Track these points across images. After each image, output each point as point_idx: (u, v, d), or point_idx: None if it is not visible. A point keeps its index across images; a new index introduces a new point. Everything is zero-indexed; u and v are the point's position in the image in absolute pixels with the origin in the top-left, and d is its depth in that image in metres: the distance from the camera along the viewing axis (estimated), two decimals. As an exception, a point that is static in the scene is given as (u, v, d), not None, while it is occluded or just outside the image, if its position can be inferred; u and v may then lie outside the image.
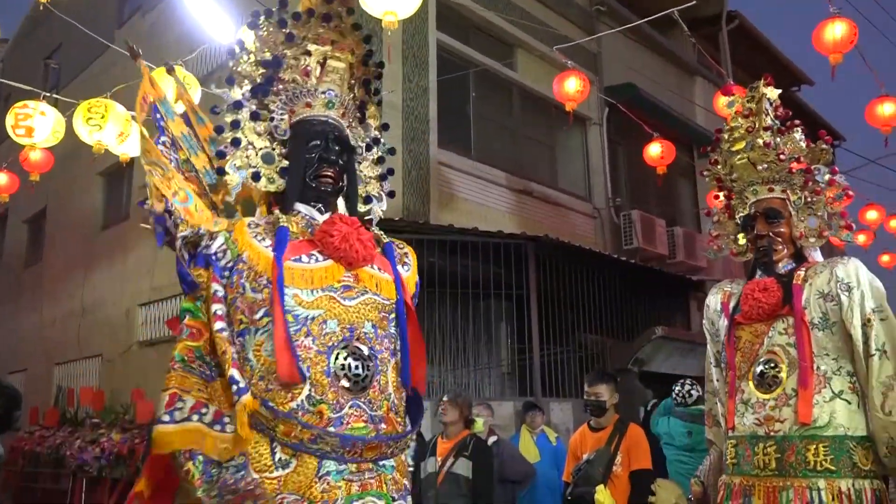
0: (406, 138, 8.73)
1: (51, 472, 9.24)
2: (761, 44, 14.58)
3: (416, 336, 2.03)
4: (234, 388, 1.74)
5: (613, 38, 10.82)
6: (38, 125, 5.20)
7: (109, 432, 8.29)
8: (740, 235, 2.82)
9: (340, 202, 2.16)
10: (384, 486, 1.82)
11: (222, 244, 1.91)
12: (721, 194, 2.92)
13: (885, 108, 6.53)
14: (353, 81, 2.17)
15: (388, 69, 9.13)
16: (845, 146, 17.04)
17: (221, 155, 2.05)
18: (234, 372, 1.75)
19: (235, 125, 2.06)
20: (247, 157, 2.05)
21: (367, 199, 2.24)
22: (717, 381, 2.80)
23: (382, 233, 2.14)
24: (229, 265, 1.89)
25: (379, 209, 2.27)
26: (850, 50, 5.40)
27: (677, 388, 5.70)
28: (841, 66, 5.44)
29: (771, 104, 2.76)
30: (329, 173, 2.03)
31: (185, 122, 2.30)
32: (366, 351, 1.86)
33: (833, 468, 2.35)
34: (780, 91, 2.82)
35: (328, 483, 1.73)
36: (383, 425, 1.85)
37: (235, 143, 2.04)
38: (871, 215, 10.47)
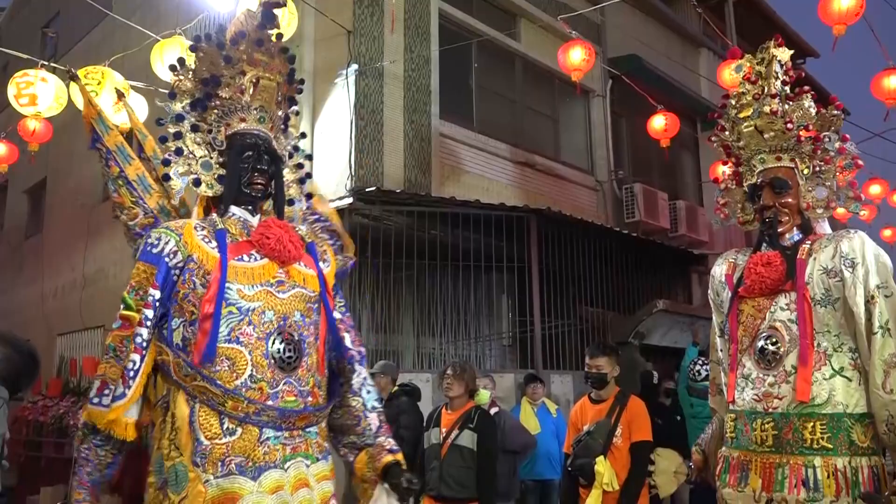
0: (408, 109, 8.67)
1: (54, 441, 9.34)
2: (767, 15, 14.42)
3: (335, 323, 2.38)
4: (118, 393, 2.07)
5: (617, 9, 10.68)
6: (40, 93, 5.16)
7: (112, 402, 8.33)
8: (748, 204, 2.75)
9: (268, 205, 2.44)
10: (310, 448, 2.19)
11: (174, 246, 2.18)
12: (730, 162, 2.84)
13: (892, 81, 6.46)
14: (279, 98, 2.46)
15: (390, 39, 9.08)
16: (850, 120, 16.91)
17: (166, 163, 2.33)
18: (119, 382, 2.08)
19: (178, 136, 2.33)
20: (188, 164, 2.34)
21: (290, 202, 2.51)
22: (721, 351, 2.78)
23: (306, 233, 2.44)
24: (180, 265, 2.17)
25: (300, 209, 2.55)
26: (857, 22, 5.32)
27: (689, 366, 6.20)
28: (846, 39, 5.37)
29: (782, 66, 2.68)
30: (260, 180, 2.32)
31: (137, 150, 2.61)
32: (296, 336, 2.19)
33: (830, 446, 2.34)
34: (791, 52, 2.73)
35: (268, 447, 2.08)
36: (310, 398, 2.20)
37: (178, 152, 2.33)
38: (875, 189, 10.43)
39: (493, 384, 6.17)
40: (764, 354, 2.49)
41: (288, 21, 4.83)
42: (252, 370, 2.09)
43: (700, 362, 6.40)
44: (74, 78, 3.02)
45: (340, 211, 7.67)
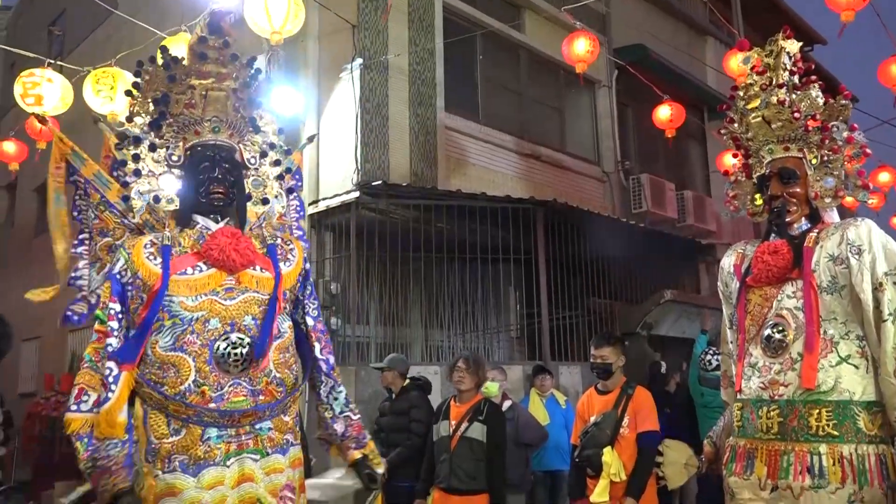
0: (413, 102, 8.68)
1: (67, 436, 9.38)
2: (773, 2, 14.32)
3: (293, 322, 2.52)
4: (88, 400, 2.23)
5: (623, -2, 10.64)
6: (46, 93, 5.19)
7: (124, 397, 8.39)
8: (757, 195, 2.74)
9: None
10: (260, 443, 2.30)
11: (123, 265, 2.35)
12: (740, 153, 2.84)
13: (899, 68, 6.41)
14: (237, 104, 2.50)
15: (395, 32, 9.08)
16: (858, 107, 16.80)
17: (125, 185, 2.46)
18: (101, 388, 2.22)
19: (136, 158, 2.45)
20: (148, 183, 2.45)
21: (265, 201, 2.58)
22: (732, 342, 2.79)
23: (269, 235, 2.54)
24: (129, 281, 2.33)
25: (278, 206, 2.63)
26: (864, 8, 5.28)
27: (700, 355, 6.18)
28: (853, 26, 5.33)
29: (790, 58, 2.67)
30: (219, 190, 2.40)
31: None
32: (246, 339, 2.29)
33: (836, 433, 2.33)
34: (801, 44, 2.72)
35: (209, 445, 2.23)
36: (262, 396, 2.31)
37: (136, 173, 2.44)
38: (884, 177, 10.34)
39: (503, 376, 6.18)
40: (770, 342, 2.49)
41: (295, 15, 4.84)
42: (195, 375, 2.23)
43: (711, 352, 6.39)
44: (44, 122, 3.20)
45: (347, 205, 7.70)
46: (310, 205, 7.90)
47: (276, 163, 2.62)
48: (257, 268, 2.40)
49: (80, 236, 2.92)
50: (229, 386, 2.26)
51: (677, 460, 3.82)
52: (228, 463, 2.24)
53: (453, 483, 4.26)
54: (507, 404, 5.57)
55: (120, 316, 2.31)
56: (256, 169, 2.59)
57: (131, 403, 2.25)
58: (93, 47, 11.64)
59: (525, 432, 5.56)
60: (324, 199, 7.93)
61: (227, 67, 2.47)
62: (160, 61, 2.47)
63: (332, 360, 2.62)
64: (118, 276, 2.33)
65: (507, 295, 9.50)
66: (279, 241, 2.54)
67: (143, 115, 2.50)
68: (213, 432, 2.23)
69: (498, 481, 4.31)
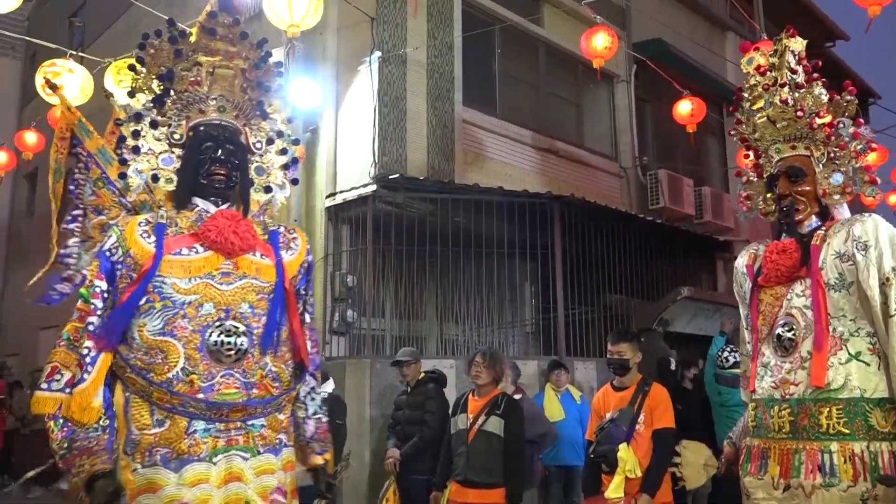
0: (431, 96, 8.67)
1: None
2: (796, -3, 14.16)
3: (294, 314, 2.33)
4: (60, 379, 2.10)
5: (643, -8, 10.56)
6: (67, 82, 5.24)
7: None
8: (769, 195, 2.75)
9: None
10: (251, 441, 2.16)
11: (115, 242, 2.22)
12: (750, 154, 2.85)
13: (924, 64, 6.33)
14: (245, 85, 2.41)
15: (413, 25, 9.07)
16: (881, 104, 16.58)
17: (123, 161, 2.32)
18: (70, 370, 2.10)
19: (136, 134, 2.33)
20: (147, 161, 2.33)
21: (268, 189, 2.48)
22: (748, 343, 2.78)
23: (270, 221, 2.44)
24: (119, 259, 2.20)
25: (282, 196, 2.51)
26: (891, 3, 5.21)
27: (718, 353, 6.15)
28: (878, 21, 5.26)
29: (795, 56, 2.67)
30: (221, 171, 2.30)
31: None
32: (241, 328, 2.16)
33: (846, 431, 2.32)
34: (806, 41, 2.71)
35: (194, 439, 2.08)
36: (255, 390, 2.17)
37: (135, 150, 2.32)
38: (906, 174, 10.23)
39: (513, 374, 6.15)
40: (781, 341, 2.49)
41: (315, 8, 4.84)
42: (184, 363, 2.09)
43: (728, 349, 6.37)
44: (54, 88, 3.13)
45: (364, 198, 7.72)
46: (327, 197, 7.92)
47: (283, 151, 2.51)
48: (257, 253, 2.28)
49: (74, 212, 2.84)
50: (221, 376, 2.12)
51: (695, 461, 3.80)
52: (215, 460, 2.08)
53: (470, 476, 4.28)
54: (516, 397, 5.58)
55: (105, 295, 2.17)
56: (261, 155, 2.48)
57: (112, 390, 2.14)
58: (113, 39, 11.71)
59: (528, 427, 5.55)
60: (341, 191, 7.94)
61: (236, 46, 2.37)
62: (166, 35, 2.37)
63: (318, 359, 2.50)
64: (108, 254, 2.21)
65: (522, 289, 9.49)
66: (282, 228, 2.43)
67: (146, 91, 2.39)
68: (199, 425, 2.08)
69: (514, 475, 4.32)
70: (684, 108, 7.59)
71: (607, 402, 4.20)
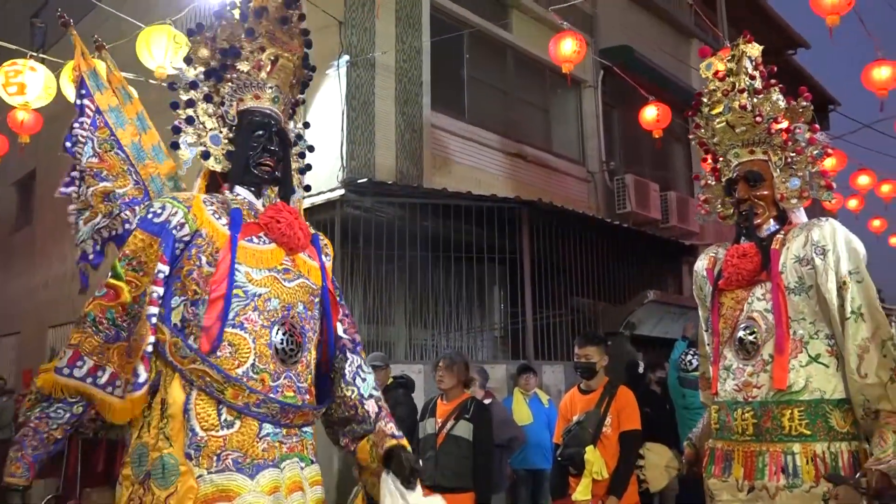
0: (399, 100, 8.66)
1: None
2: (758, 5, 14.42)
3: (335, 320, 2.24)
4: (134, 381, 1.88)
5: None
6: (29, 82, 5.13)
7: (104, 394, 8.31)
8: (727, 199, 2.79)
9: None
10: (305, 449, 2.06)
11: (181, 219, 2.02)
12: (709, 158, 2.89)
13: (882, 72, 6.50)
14: (294, 81, 2.34)
15: (381, 29, 9.00)
16: (840, 111, 16.96)
17: (176, 130, 2.16)
18: (140, 367, 1.89)
19: (190, 104, 2.19)
20: (198, 135, 2.18)
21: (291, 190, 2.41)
22: (708, 345, 2.82)
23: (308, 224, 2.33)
24: (185, 238, 2.01)
25: (298, 198, 2.44)
26: (848, 12, 5.34)
27: (681, 356, 6.20)
28: (837, 30, 5.39)
29: (752, 62, 2.72)
30: (269, 162, 2.18)
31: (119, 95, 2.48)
32: (297, 329, 2.05)
33: (808, 432, 2.36)
34: (762, 47, 2.76)
35: (267, 443, 1.94)
36: (307, 396, 2.07)
37: (189, 120, 2.18)
38: (863, 180, 10.48)
39: (481, 379, 6.15)
40: (742, 345, 2.52)
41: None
42: (255, 359, 1.94)
43: (691, 352, 6.43)
44: (99, 49, 2.84)
45: (332, 203, 7.68)
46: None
47: (301, 155, 2.43)
48: (307, 254, 2.18)
49: (71, 174, 2.59)
50: (283, 377, 1.98)
51: (658, 463, 3.83)
52: (283, 465, 1.94)
53: (439, 480, 4.27)
54: (485, 402, 5.58)
55: (167, 280, 1.96)
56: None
57: (158, 386, 1.93)
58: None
59: (497, 432, 5.56)
60: (308, 196, 7.88)
61: (294, 41, 2.28)
62: (237, 12, 2.22)
63: (357, 338, 2.30)
64: (173, 231, 1.99)
65: (491, 294, 9.51)
66: (318, 233, 2.32)
67: (198, 64, 2.22)
68: (269, 428, 1.93)
69: (484, 480, 4.32)
70: (650, 113, 7.69)
71: (574, 406, 4.22)
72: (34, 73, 5.14)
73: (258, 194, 2.20)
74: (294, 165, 2.40)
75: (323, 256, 2.26)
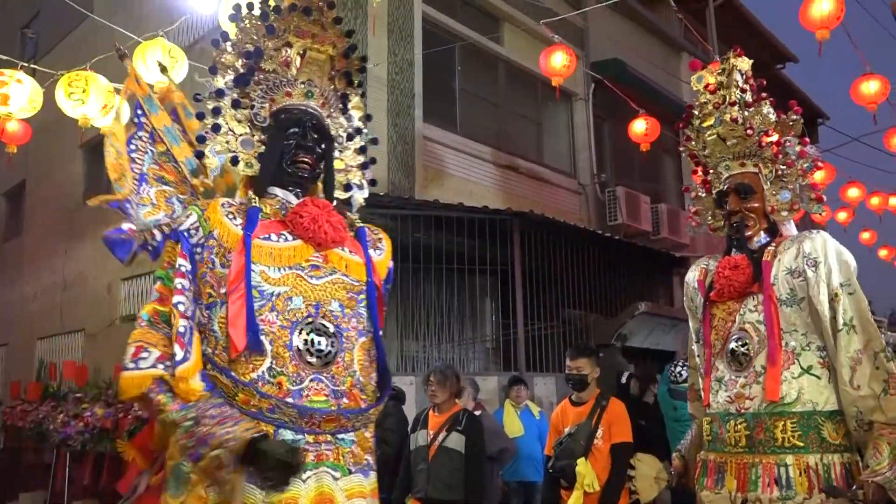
0: (391, 112, 8.68)
1: (33, 446, 9.22)
2: (747, 20, 14.57)
3: (381, 318, 2.13)
4: (174, 360, 1.85)
5: (600, 13, 10.77)
6: (14, 93, 5.09)
7: (92, 407, 8.25)
8: (717, 210, 2.80)
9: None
10: (341, 458, 1.90)
11: (195, 221, 2.00)
12: (699, 170, 2.91)
13: (871, 86, 6.56)
14: (333, 73, 2.26)
15: (374, 42, 9.01)
16: (829, 124, 17.10)
17: (202, 139, 2.13)
18: (175, 346, 1.86)
19: (216, 112, 2.15)
20: (226, 142, 2.14)
21: (348, 187, 2.33)
22: (698, 356, 2.82)
23: (357, 217, 2.25)
24: (200, 241, 1.99)
25: (360, 197, 2.36)
26: (837, 27, 5.39)
27: (671, 368, 6.17)
28: (826, 44, 5.44)
29: (742, 75, 2.74)
30: (306, 159, 2.11)
31: (172, 116, 2.48)
32: (331, 328, 1.95)
33: (801, 444, 2.36)
34: (752, 61, 2.79)
35: None
36: (345, 400, 1.93)
37: (216, 128, 2.14)
38: (853, 193, 10.55)
39: (472, 391, 6.14)
40: (735, 356, 2.53)
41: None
42: (271, 362, 1.86)
43: (681, 364, 6.44)
44: (123, 57, 2.83)
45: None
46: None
47: (362, 150, 2.35)
48: (346, 249, 2.08)
49: (136, 179, 2.47)
50: (310, 381, 1.88)
51: (648, 474, 3.84)
52: (305, 477, 1.81)
53: (431, 493, 4.26)
54: (476, 414, 5.57)
55: (190, 274, 1.95)
56: (341, 151, 2.31)
57: None
58: (67, 51, 11.49)
59: (488, 444, 5.54)
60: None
61: (328, 31, 2.20)
62: (257, 11, 2.17)
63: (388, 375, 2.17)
64: (186, 234, 1.98)
65: (483, 306, 9.51)
66: (367, 226, 2.23)
67: (227, 70, 2.18)
68: (287, 435, 1.82)
69: (476, 492, 4.31)
70: (639, 126, 7.73)
71: (566, 417, 4.21)
72: (20, 85, 5.10)
73: (302, 194, 2.12)
74: (354, 161, 2.34)
75: (371, 250, 2.16)
